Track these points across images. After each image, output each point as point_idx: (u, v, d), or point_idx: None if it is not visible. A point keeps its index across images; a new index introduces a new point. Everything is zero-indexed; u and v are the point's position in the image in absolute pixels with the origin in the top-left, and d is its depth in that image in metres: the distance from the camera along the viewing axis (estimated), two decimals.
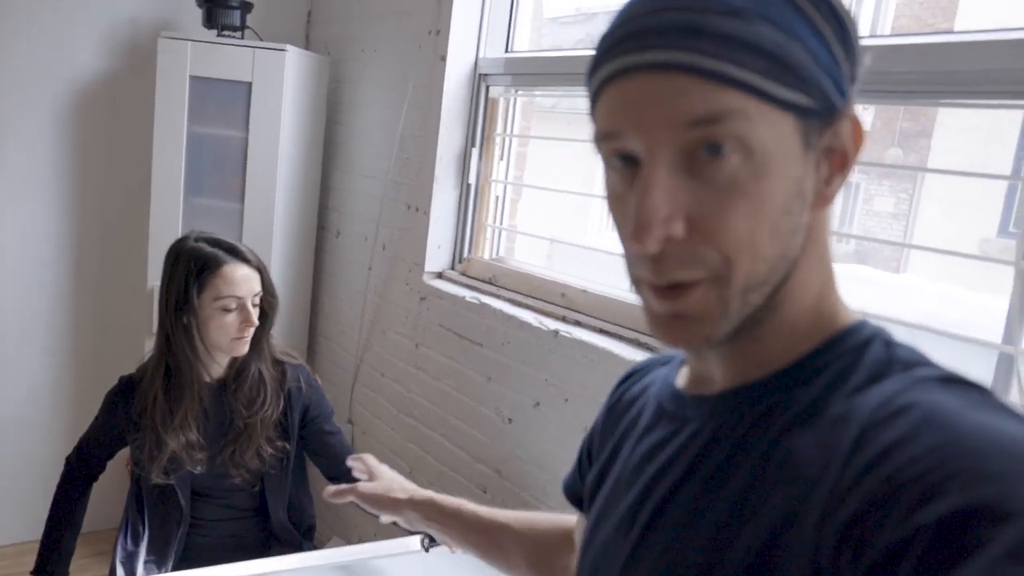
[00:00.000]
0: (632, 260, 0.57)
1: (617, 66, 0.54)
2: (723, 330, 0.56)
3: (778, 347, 0.58)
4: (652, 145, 0.52)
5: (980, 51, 1.24)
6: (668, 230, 0.52)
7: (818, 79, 0.52)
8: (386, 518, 1.20)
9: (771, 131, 0.52)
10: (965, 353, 1.36)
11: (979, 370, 1.30)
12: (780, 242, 0.54)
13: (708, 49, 0.50)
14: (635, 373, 0.80)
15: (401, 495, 1.12)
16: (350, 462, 1.28)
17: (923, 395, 0.49)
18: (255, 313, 1.62)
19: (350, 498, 1.16)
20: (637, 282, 0.58)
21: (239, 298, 1.60)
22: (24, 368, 2.92)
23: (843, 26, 0.54)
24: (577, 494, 0.84)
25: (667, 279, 0.54)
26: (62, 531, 1.73)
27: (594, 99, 0.57)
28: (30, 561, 1.74)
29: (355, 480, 1.29)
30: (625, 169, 0.55)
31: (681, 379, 0.67)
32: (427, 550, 1.43)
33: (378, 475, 1.22)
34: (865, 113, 2.09)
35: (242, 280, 1.60)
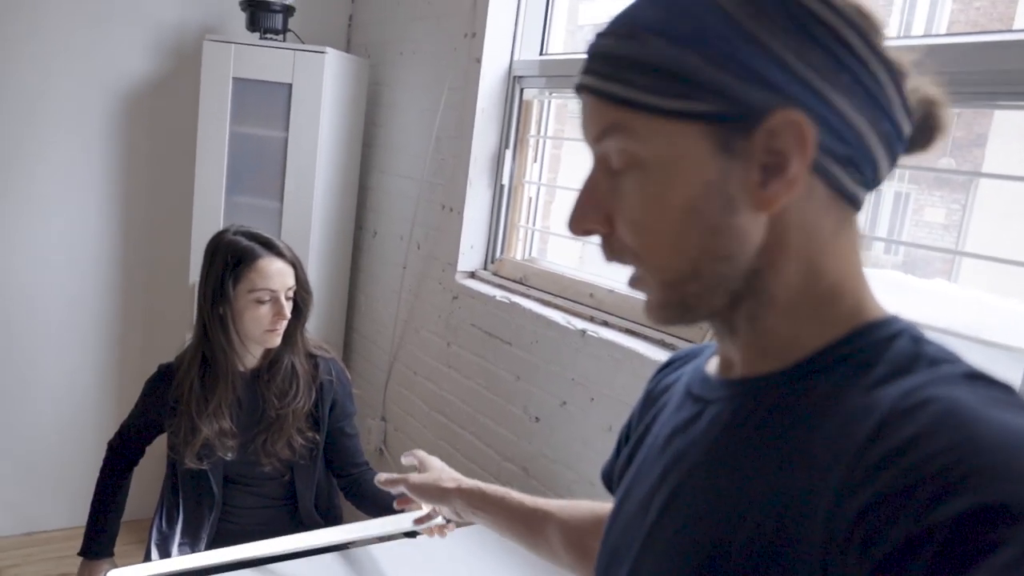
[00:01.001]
0: None
1: (575, 83, 0.62)
2: (684, 317, 0.60)
3: (795, 336, 0.58)
4: (591, 153, 0.61)
5: None
6: (585, 225, 0.60)
7: (721, 83, 0.52)
8: (437, 513, 1.22)
9: (665, 141, 0.54)
10: (1004, 359, 1.34)
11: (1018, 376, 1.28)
12: (694, 242, 0.56)
13: (602, 71, 0.56)
14: (675, 361, 0.80)
15: (449, 484, 1.12)
16: (404, 458, 1.29)
17: (944, 390, 0.48)
18: (288, 306, 1.67)
19: (401, 488, 1.17)
20: None
21: (272, 291, 1.64)
22: (71, 361, 3.02)
23: (802, 20, 0.52)
24: (612, 480, 0.85)
25: (607, 258, 0.62)
26: (106, 512, 1.80)
27: None
28: (78, 545, 1.80)
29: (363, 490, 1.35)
30: None
31: (712, 364, 0.68)
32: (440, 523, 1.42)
33: (428, 467, 1.22)
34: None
35: (276, 273, 1.64)
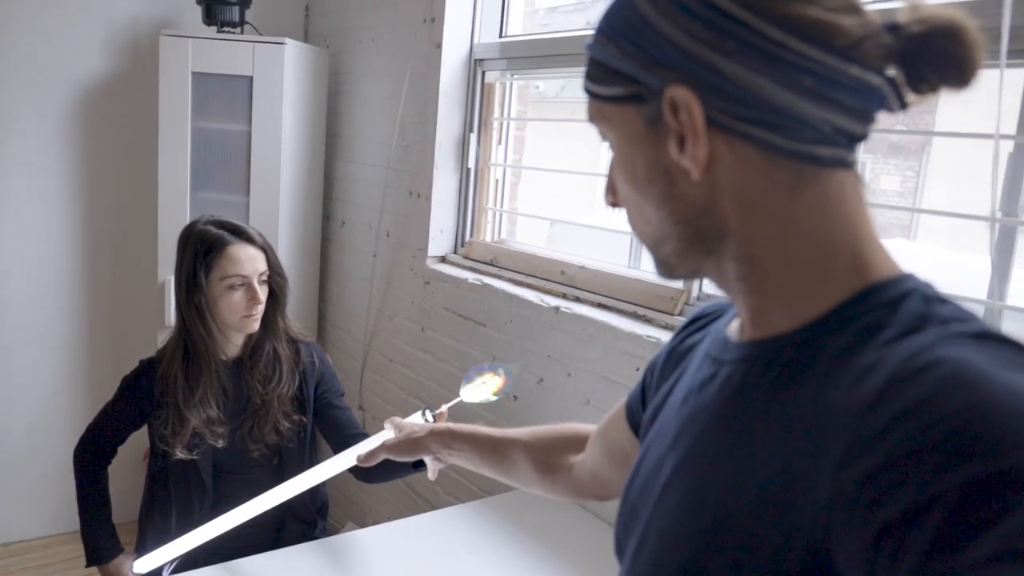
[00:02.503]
0: None
1: None
2: (674, 274, 0.66)
3: (798, 297, 0.58)
4: None
5: (975, 10, 1.22)
6: (606, 199, 0.68)
7: (624, 68, 0.59)
8: (431, 468, 1.28)
9: (616, 123, 0.62)
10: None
11: None
12: (653, 210, 0.61)
13: (586, 71, 0.64)
14: (702, 317, 0.80)
15: (421, 432, 1.17)
16: (386, 423, 1.32)
17: (953, 351, 0.47)
18: (263, 291, 1.68)
19: (382, 455, 1.21)
20: None
21: (244, 277, 1.65)
22: (39, 365, 2.98)
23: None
24: (633, 412, 0.88)
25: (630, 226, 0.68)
26: (100, 512, 1.78)
27: None
28: (55, 553, 1.79)
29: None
30: None
31: (732, 326, 0.68)
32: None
33: (404, 427, 1.27)
34: None
35: (247, 259, 1.66)
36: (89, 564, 1.77)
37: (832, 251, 0.57)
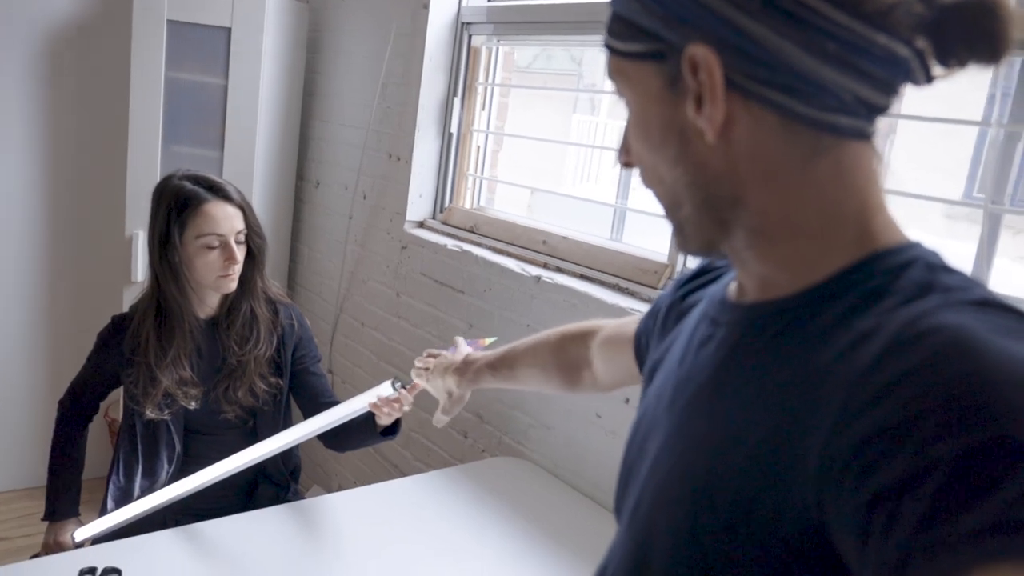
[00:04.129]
0: None
1: None
2: (687, 245, 0.64)
3: (801, 263, 0.58)
4: None
5: None
6: (621, 158, 0.66)
7: (649, 25, 0.57)
8: (439, 419, 1.40)
9: (634, 80, 0.60)
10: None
11: None
12: (667, 171, 0.60)
13: (607, 26, 0.61)
14: (703, 273, 0.79)
15: (455, 387, 1.34)
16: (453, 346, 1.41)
17: (952, 317, 0.47)
18: (240, 251, 1.63)
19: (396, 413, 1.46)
20: None
21: (221, 235, 1.60)
22: (1, 318, 2.90)
23: None
24: (639, 348, 0.92)
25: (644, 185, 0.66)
26: (67, 472, 1.75)
27: None
28: (19, 508, 1.75)
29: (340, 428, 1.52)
30: None
31: (732, 287, 0.68)
32: (397, 391, 1.47)
33: (436, 364, 1.40)
34: None
35: (223, 218, 1.61)
36: (45, 518, 1.74)
37: (840, 220, 0.57)
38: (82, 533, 1.65)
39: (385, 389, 1.46)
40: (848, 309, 0.53)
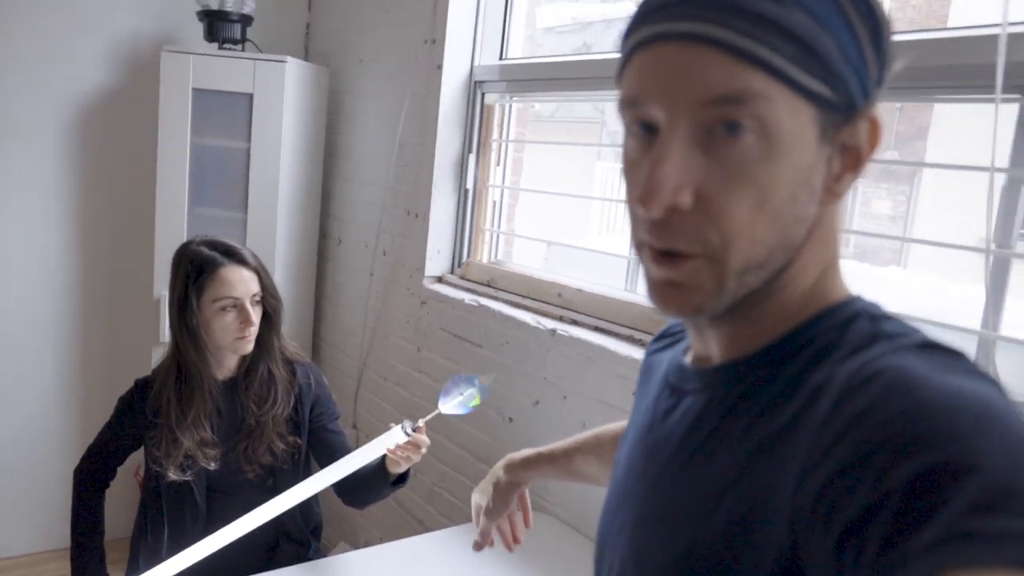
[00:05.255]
0: (636, 224, 0.58)
1: (651, 32, 0.54)
2: (715, 306, 0.57)
3: (771, 325, 0.60)
4: (673, 116, 0.54)
5: (973, 46, 1.27)
6: (675, 199, 0.53)
7: (844, 74, 0.53)
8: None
9: (789, 117, 0.52)
10: (954, 340, 1.39)
11: None
12: (781, 230, 0.55)
13: (741, 27, 0.51)
14: (669, 335, 0.79)
15: (504, 484, 1.16)
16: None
17: (895, 360, 0.50)
18: (256, 313, 1.67)
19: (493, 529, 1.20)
20: (639, 246, 0.59)
21: (236, 299, 1.65)
22: (34, 380, 2.96)
23: (877, 27, 0.54)
24: None
25: (665, 245, 0.56)
26: (90, 539, 1.77)
27: (624, 63, 0.58)
28: (42, 571, 1.77)
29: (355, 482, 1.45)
30: (644, 137, 0.56)
31: (688, 353, 0.69)
32: (409, 435, 1.48)
33: (483, 494, 1.22)
34: None
35: (238, 281, 1.65)
36: None
37: (819, 280, 0.60)
38: None
39: (397, 435, 1.48)
40: (802, 366, 0.56)
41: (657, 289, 0.59)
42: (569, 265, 2.33)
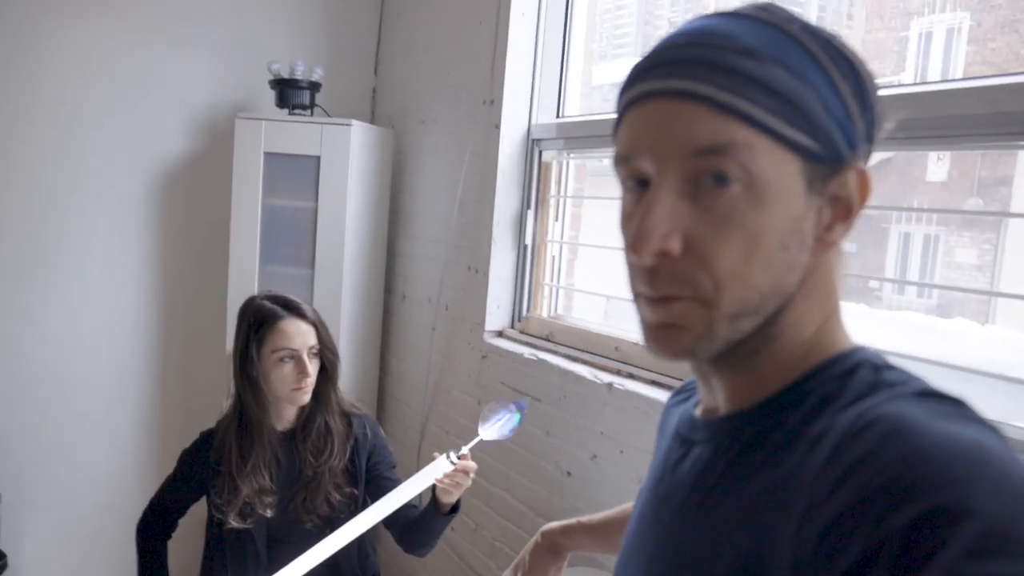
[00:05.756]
0: (633, 274, 0.61)
1: (641, 90, 0.58)
2: (708, 348, 0.59)
3: (773, 375, 0.61)
4: (661, 168, 0.56)
5: None
6: (664, 245, 0.56)
7: (827, 127, 0.55)
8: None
9: (774, 168, 0.55)
10: (1017, 394, 1.34)
11: None
12: (772, 276, 0.57)
13: (723, 83, 0.54)
14: (682, 392, 0.82)
15: (540, 559, 1.19)
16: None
17: (893, 407, 0.51)
18: (313, 365, 1.73)
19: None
20: (635, 295, 0.62)
21: (294, 350, 1.71)
22: (113, 432, 3.09)
23: (861, 84, 0.57)
24: None
25: (659, 292, 0.58)
26: None
27: (617, 122, 0.62)
28: None
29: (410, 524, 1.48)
30: (638, 191, 0.59)
31: (699, 407, 0.71)
32: (455, 463, 1.53)
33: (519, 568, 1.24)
34: (940, 162, 2.08)
35: (296, 333, 1.72)
36: None
37: (821, 329, 0.61)
38: None
39: (443, 464, 1.53)
40: (805, 416, 0.57)
41: (652, 333, 0.61)
42: (629, 319, 2.33)
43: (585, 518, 1.16)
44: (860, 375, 0.57)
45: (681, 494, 0.65)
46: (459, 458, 1.52)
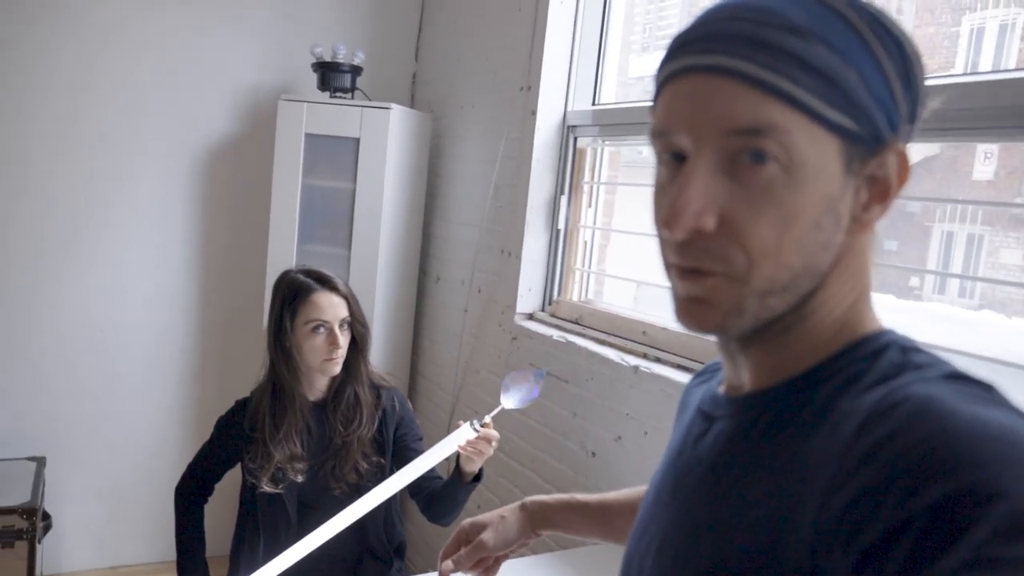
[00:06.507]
0: (664, 246, 0.61)
1: (680, 64, 0.57)
2: (738, 325, 0.59)
3: (802, 354, 0.61)
4: (698, 144, 0.56)
5: None
6: (698, 223, 0.55)
7: (868, 107, 0.54)
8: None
9: (813, 148, 0.54)
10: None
11: None
12: (806, 255, 0.56)
13: (764, 60, 0.53)
14: (704, 373, 0.82)
15: (512, 520, 1.10)
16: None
17: (922, 388, 0.51)
18: (344, 337, 1.80)
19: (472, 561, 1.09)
20: (667, 267, 0.61)
21: (325, 322, 1.78)
22: (153, 402, 3.20)
23: (906, 63, 0.56)
24: None
25: (690, 264, 0.58)
26: (194, 551, 1.91)
27: (656, 96, 0.61)
28: None
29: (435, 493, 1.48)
30: (673, 164, 0.59)
31: (723, 384, 0.70)
32: (478, 430, 1.56)
33: (487, 525, 1.13)
34: (988, 160, 2.07)
35: (328, 306, 1.78)
36: None
37: (851, 310, 0.61)
38: None
39: (467, 432, 1.56)
40: (832, 394, 0.57)
41: (682, 305, 0.61)
42: (658, 305, 2.36)
43: (582, 496, 1.08)
44: (888, 356, 0.57)
45: (701, 469, 0.65)
46: (482, 426, 1.56)
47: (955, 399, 0.49)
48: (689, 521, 0.64)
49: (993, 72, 1.48)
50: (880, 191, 0.58)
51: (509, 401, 1.52)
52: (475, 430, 1.56)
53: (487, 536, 1.08)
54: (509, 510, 1.11)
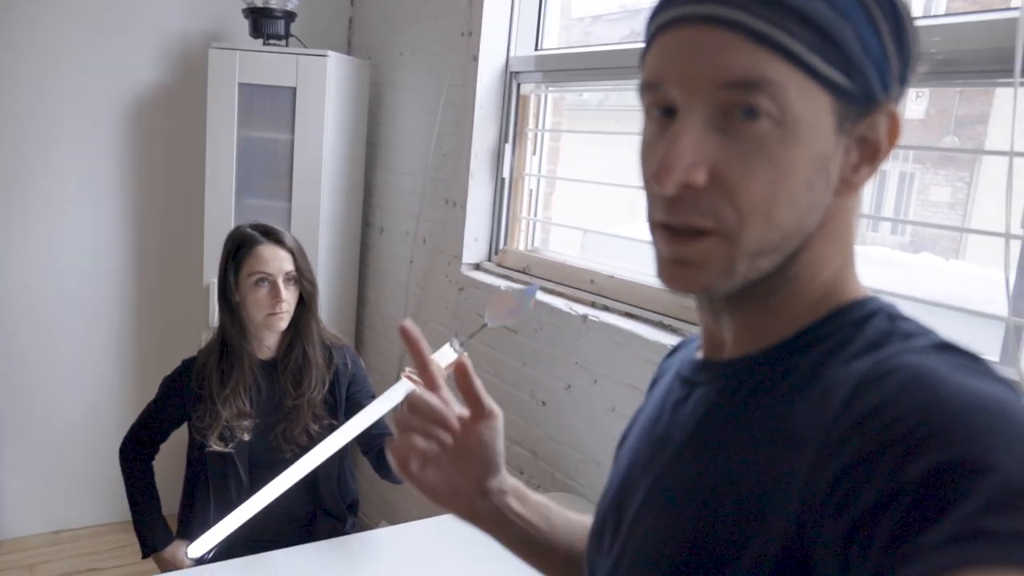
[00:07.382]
0: (651, 202, 0.59)
1: (672, 15, 0.55)
2: (724, 286, 0.58)
3: (787, 319, 0.60)
4: (690, 97, 0.54)
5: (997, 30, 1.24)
6: (689, 177, 0.53)
7: (863, 65, 0.53)
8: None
9: (806, 104, 0.53)
10: (976, 327, 1.40)
11: (989, 342, 1.35)
12: (796, 214, 0.55)
13: (760, 11, 0.52)
14: (681, 346, 0.80)
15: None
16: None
17: (913, 358, 0.50)
18: (287, 291, 1.77)
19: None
20: (652, 225, 0.60)
21: (269, 274, 1.75)
22: (90, 363, 3.11)
23: (900, 23, 0.55)
24: None
25: (679, 220, 0.56)
26: (148, 507, 1.89)
27: (646, 47, 0.59)
28: (106, 542, 1.88)
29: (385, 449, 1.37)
30: (663, 119, 0.57)
31: (700, 350, 0.69)
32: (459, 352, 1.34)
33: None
34: (919, 100, 2.09)
35: (272, 258, 1.76)
36: (145, 556, 1.86)
37: (836, 275, 0.60)
38: (196, 549, 1.70)
39: (447, 353, 1.35)
40: (817, 361, 0.56)
41: (666, 267, 0.59)
42: (605, 253, 2.36)
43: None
44: (875, 323, 0.57)
45: (682, 435, 0.64)
46: (462, 345, 1.37)
47: (945, 369, 0.49)
48: (670, 488, 0.62)
49: (923, 17, 1.49)
50: (870, 152, 0.57)
51: (494, 319, 1.37)
52: (456, 351, 1.38)
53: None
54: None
